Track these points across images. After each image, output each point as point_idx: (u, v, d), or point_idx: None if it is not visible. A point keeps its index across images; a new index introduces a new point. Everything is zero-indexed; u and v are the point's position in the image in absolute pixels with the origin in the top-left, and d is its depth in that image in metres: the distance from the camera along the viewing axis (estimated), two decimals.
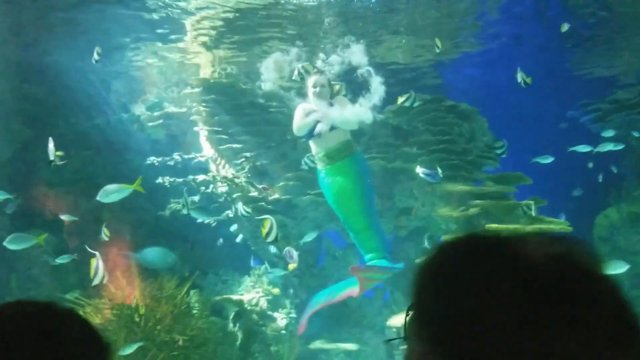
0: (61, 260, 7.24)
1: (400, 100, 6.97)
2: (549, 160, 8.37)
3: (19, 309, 1.12)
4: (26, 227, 8.14)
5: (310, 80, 6.47)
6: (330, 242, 8.04)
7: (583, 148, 8.37)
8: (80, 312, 1.21)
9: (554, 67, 9.51)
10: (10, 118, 8.05)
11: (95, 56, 6.80)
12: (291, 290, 7.59)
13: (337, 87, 6.69)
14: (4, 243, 6.63)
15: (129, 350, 5.69)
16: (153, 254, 7.30)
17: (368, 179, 6.82)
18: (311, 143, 6.64)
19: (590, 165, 9.36)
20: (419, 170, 6.74)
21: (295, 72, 6.62)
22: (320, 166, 6.67)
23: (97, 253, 6.01)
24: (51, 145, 6.09)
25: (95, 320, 6.38)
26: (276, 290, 7.28)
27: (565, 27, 7.48)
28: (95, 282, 5.94)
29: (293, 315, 7.28)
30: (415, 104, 7.03)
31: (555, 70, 9.60)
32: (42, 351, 1.06)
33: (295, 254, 6.71)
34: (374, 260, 6.61)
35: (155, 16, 7.42)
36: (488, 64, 9.84)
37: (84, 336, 1.13)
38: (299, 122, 6.52)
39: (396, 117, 7.77)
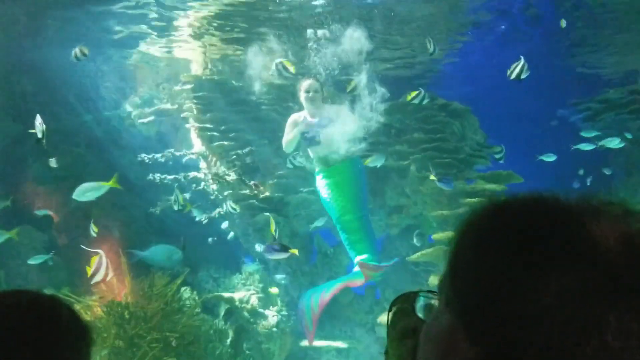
0: (34, 260, 7.09)
1: (410, 97, 6.89)
2: (552, 158, 8.34)
3: (14, 297, 1.19)
4: (16, 223, 8.08)
5: (303, 85, 6.46)
6: (322, 239, 8.03)
7: (586, 146, 8.34)
8: (64, 301, 1.26)
9: (544, 65, 9.57)
10: (4, 113, 7.98)
11: (78, 54, 6.49)
12: (282, 289, 7.58)
13: (352, 84, 6.67)
14: None
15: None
16: (159, 252, 7.24)
17: (363, 182, 6.85)
18: (310, 149, 6.63)
19: (581, 172, 9.41)
20: (434, 178, 6.66)
21: (273, 67, 6.56)
22: (316, 168, 6.67)
23: (100, 251, 5.95)
24: (39, 121, 5.72)
25: (86, 317, 6.35)
26: (275, 290, 7.24)
27: (563, 24, 7.47)
28: (97, 279, 5.88)
29: (284, 312, 7.28)
30: (425, 102, 6.94)
31: (546, 68, 9.65)
32: (30, 334, 1.13)
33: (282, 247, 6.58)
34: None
35: (146, 12, 7.38)
36: (476, 62, 9.88)
37: (69, 321, 1.20)
38: (286, 138, 6.55)
39: (388, 115, 7.78)
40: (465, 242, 0.74)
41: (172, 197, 7.33)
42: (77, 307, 6.11)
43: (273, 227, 6.35)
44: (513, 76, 6.22)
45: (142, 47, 8.48)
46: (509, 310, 0.67)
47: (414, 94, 6.86)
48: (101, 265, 5.85)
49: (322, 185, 6.70)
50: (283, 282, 7.44)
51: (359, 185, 6.76)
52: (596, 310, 0.64)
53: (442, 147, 7.39)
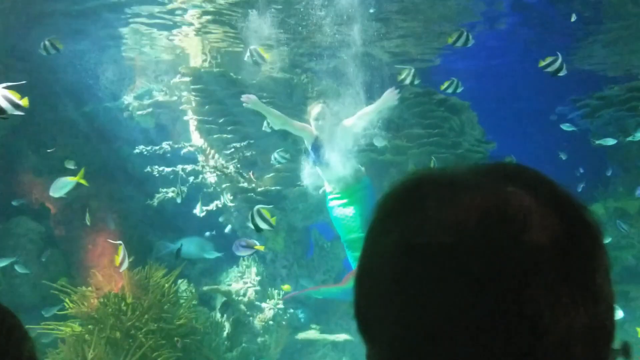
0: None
1: (400, 77, 6.74)
2: (611, 142, 8.26)
3: None
4: (13, 214, 8.08)
5: (314, 111, 6.18)
6: (319, 233, 8.04)
7: (609, 141, 8.28)
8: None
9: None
10: None
11: (48, 46, 6.16)
12: (279, 282, 7.59)
13: (404, 73, 6.56)
14: None
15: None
16: (192, 243, 7.20)
17: (371, 201, 6.74)
18: (319, 169, 6.45)
19: (581, 170, 9.40)
20: None
21: (247, 54, 6.44)
22: (328, 189, 6.57)
23: (121, 242, 5.93)
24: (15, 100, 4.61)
25: (82, 308, 6.35)
26: (287, 287, 7.16)
27: (573, 18, 7.38)
28: (124, 267, 5.88)
29: (281, 306, 7.29)
30: (416, 82, 6.73)
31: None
32: None
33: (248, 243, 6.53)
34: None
35: (148, 4, 7.35)
36: (478, 59, 9.87)
37: (8, 331, 1.17)
38: (280, 120, 6.43)
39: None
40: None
41: (175, 189, 7.27)
42: (74, 297, 6.10)
43: (269, 215, 6.24)
44: (550, 70, 6.04)
45: (142, 38, 8.45)
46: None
47: (403, 73, 6.66)
48: (125, 256, 5.85)
49: (333, 206, 6.60)
50: (265, 268, 7.39)
51: (368, 207, 6.68)
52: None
53: (440, 142, 7.40)
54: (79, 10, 7.35)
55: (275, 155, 6.98)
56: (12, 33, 7.98)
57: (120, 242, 6.06)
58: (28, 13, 7.73)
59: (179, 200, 7.31)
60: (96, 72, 8.53)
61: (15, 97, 4.61)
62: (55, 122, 8.22)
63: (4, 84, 4.65)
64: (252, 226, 5.81)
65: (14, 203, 7.52)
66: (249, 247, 6.33)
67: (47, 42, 6.21)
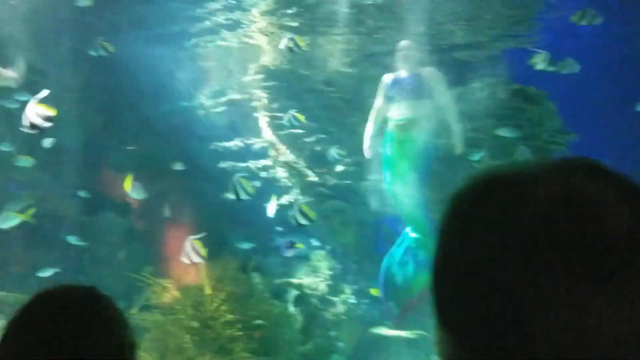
0: (44, 273, 7.13)
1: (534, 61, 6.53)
2: None
3: (61, 293, 1.29)
4: (98, 209, 8.58)
5: (402, 43, 6.30)
6: (389, 228, 7.99)
7: None
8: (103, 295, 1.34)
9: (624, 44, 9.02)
10: (82, 107, 8.43)
11: (100, 49, 6.49)
12: (350, 276, 7.63)
13: (541, 56, 6.52)
14: None
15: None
16: None
17: (429, 157, 6.60)
18: (391, 106, 6.40)
19: None
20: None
21: (284, 42, 6.44)
22: (389, 129, 6.47)
23: (199, 236, 6.16)
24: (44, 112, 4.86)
25: (163, 299, 6.66)
26: (374, 291, 7.00)
27: None
28: (198, 259, 6.11)
29: (352, 301, 7.32)
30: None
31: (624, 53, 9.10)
32: (73, 328, 1.22)
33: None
34: (412, 234, 6.58)
35: (220, 4, 7.55)
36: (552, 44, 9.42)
37: (112, 318, 1.28)
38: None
39: (458, 100, 7.61)
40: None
41: (236, 185, 7.07)
42: (156, 288, 6.39)
43: (308, 209, 6.25)
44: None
45: (216, 38, 8.70)
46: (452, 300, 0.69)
47: (538, 57, 6.42)
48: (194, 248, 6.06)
49: (388, 147, 6.49)
50: (338, 263, 7.36)
51: (424, 159, 6.53)
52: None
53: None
54: (158, 16, 7.66)
55: (332, 152, 7.01)
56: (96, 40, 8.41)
57: (198, 235, 6.27)
58: (110, 20, 8.16)
59: (243, 197, 7.19)
60: (173, 72, 8.86)
61: (46, 110, 4.77)
62: (136, 121, 8.63)
63: (37, 97, 4.80)
64: (293, 221, 5.94)
65: (80, 194, 7.84)
66: (294, 247, 6.44)
67: (98, 44, 6.47)
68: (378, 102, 6.55)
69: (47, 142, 7.04)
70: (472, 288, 0.66)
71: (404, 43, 6.30)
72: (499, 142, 7.09)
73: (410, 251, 6.69)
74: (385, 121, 6.55)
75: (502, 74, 7.72)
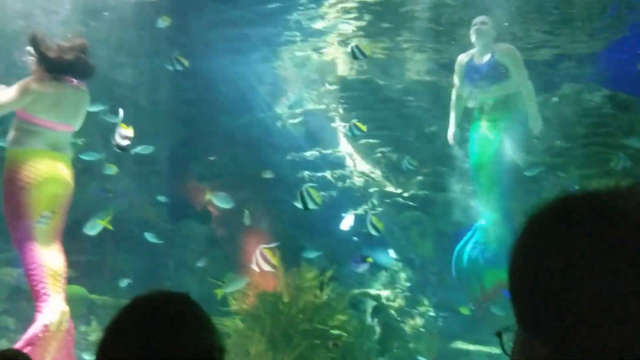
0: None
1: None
2: None
3: (156, 298, 1.33)
4: (180, 217, 8.92)
5: (477, 19, 6.05)
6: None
7: None
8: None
9: None
10: (168, 118, 8.84)
11: (175, 63, 6.65)
12: (429, 288, 7.48)
13: None
14: (84, 229, 6.57)
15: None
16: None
17: (519, 146, 6.29)
18: (471, 93, 6.19)
19: None
20: None
21: (348, 50, 6.33)
22: (475, 116, 6.26)
23: (273, 244, 6.26)
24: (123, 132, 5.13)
25: (242, 306, 6.79)
26: (464, 310, 6.79)
27: None
28: (269, 268, 6.19)
29: (431, 313, 7.17)
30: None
31: None
32: (168, 332, 1.27)
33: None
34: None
35: (296, 16, 7.69)
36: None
37: (203, 323, 1.34)
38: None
39: (543, 108, 7.31)
40: (511, 261, 0.80)
41: (304, 195, 6.86)
42: (236, 295, 6.53)
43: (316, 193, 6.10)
44: None
45: (294, 50, 8.86)
46: (556, 309, 0.72)
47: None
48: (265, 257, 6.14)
49: (474, 132, 6.25)
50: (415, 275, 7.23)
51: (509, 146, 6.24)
52: None
53: (606, 141, 6.77)
54: (238, 31, 7.90)
55: (405, 162, 6.90)
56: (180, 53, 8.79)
57: (273, 244, 6.35)
58: (193, 35, 8.50)
59: (311, 206, 7.01)
60: (252, 84, 9.10)
61: (125, 130, 5.06)
62: (216, 133, 8.92)
63: (119, 118, 5.08)
64: (300, 205, 5.87)
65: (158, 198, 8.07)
66: (365, 261, 6.36)
67: (174, 59, 6.67)
68: (456, 85, 6.31)
69: (141, 149, 7.39)
70: (573, 294, 0.70)
71: (479, 18, 6.02)
72: (587, 150, 6.74)
73: (479, 245, 6.47)
74: (467, 106, 6.34)
75: (591, 80, 7.37)
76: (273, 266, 6.04)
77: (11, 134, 5.01)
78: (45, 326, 4.66)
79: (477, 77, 6.01)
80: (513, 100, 6.02)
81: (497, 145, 6.04)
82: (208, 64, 8.92)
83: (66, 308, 4.88)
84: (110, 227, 6.62)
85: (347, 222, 7.84)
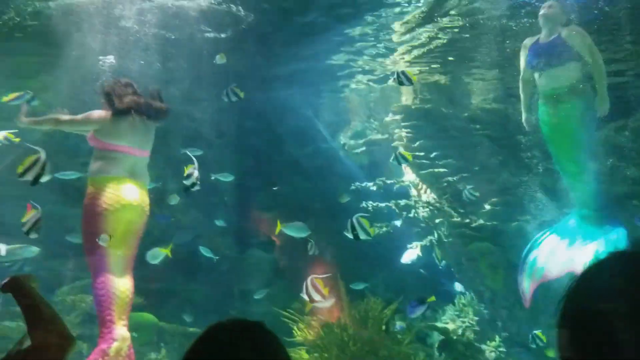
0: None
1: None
2: None
3: (233, 326, 1.39)
4: (246, 246, 9.06)
5: (543, 5, 5.79)
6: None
7: None
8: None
9: None
10: (235, 150, 9.07)
11: (231, 95, 6.77)
12: (499, 323, 7.18)
13: None
14: (147, 258, 6.65)
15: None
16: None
17: (591, 130, 5.98)
18: (536, 75, 5.93)
19: None
20: None
21: (394, 76, 6.20)
22: (542, 100, 5.98)
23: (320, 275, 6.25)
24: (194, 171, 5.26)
25: (308, 336, 6.76)
26: (550, 353, 6.37)
27: None
28: (325, 303, 6.14)
29: (502, 349, 6.87)
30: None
31: None
32: (246, 358, 1.33)
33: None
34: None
35: (361, 49, 7.78)
36: None
37: (278, 352, 1.39)
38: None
39: (617, 134, 7.01)
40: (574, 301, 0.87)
41: (355, 225, 6.58)
42: (301, 325, 6.51)
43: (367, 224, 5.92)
44: None
45: (357, 82, 8.96)
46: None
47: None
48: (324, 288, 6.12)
49: (545, 120, 5.95)
50: (484, 308, 6.98)
51: (584, 132, 5.86)
52: None
53: None
54: (303, 63, 8.07)
55: (466, 192, 6.73)
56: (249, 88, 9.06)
57: (326, 274, 6.29)
58: (257, 67, 8.76)
59: (362, 237, 6.73)
60: (316, 115, 9.25)
61: (190, 170, 5.25)
62: (281, 163, 9.06)
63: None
64: (350, 235, 5.68)
65: (216, 222, 8.16)
66: (422, 303, 6.17)
67: (229, 90, 6.82)
68: (522, 68, 6.05)
69: (222, 176, 7.60)
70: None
71: (547, 2, 5.77)
72: None
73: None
74: (534, 90, 6.12)
75: None
76: (323, 296, 6.00)
77: (92, 164, 5.27)
78: (103, 351, 4.77)
79: (542, 57, 5.78)
80: (581, 82, 5.77)
81: (568, 125, 5.79)
82: (274, 96, 9.15)
83: (127, 335, 4.96)
84: (170, 255, 6.79)
85: (409, 255, 7.71)
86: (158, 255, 6.76)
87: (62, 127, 5.32)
